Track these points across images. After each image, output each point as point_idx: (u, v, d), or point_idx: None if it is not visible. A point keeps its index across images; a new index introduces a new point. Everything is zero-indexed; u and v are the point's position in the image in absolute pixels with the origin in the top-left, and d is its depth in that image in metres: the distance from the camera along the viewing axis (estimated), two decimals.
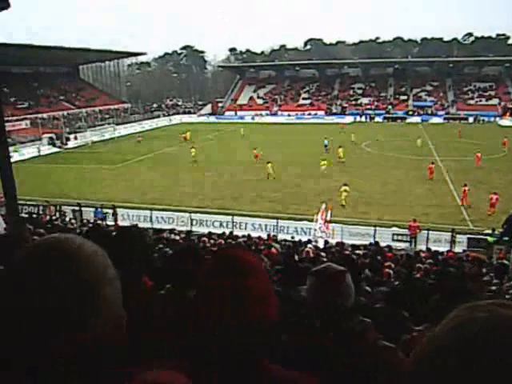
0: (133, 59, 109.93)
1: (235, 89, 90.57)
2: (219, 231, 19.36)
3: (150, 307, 2.02)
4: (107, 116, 70.33)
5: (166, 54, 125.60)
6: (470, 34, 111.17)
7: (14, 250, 2.70)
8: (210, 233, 18.15)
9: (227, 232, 18.85)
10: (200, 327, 1.12)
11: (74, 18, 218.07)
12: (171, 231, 18.43)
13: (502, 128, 56.40)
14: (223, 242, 14.60)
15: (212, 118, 79.44)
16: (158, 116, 79.18)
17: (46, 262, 0.82)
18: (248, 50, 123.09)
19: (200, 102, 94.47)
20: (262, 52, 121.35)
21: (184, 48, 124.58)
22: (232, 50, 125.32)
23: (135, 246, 2.17)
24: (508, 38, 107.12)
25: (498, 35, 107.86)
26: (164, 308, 2.09)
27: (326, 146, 42.15)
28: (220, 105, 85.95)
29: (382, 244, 17.24)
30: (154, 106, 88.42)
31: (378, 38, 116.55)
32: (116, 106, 77.16)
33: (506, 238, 17.76)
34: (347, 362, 1.72)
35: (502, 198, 23.62)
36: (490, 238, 18.12)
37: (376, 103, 78.23)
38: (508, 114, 66.80)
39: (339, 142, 39.20)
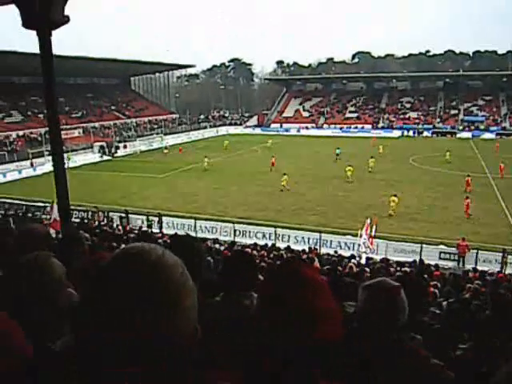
0: (182, 71, 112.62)
1: (281, 101, 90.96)
2: (262, 242, 19.39)
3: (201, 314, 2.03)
4: (155, 126, 72.21)
5: (214, 66, 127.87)
6: None
7: (71, 254, 2.83)
8: (255, 244, 18.20)
9: (269, 244, 18.86)
10: (262, 340, 1.11)
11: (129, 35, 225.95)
12: (215, 241, 18.61)
13: None
14: (265, 253, 14.60)
15: (258, 130, 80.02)
16: (205, 127, 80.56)
17: (129, 271, 0.83)
18: (295, 63, 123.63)
19: (246, 114, 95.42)
20: (310, 65, 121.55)
21: (232, 60, 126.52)
22: (279, 62, 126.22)
23: (193, 255, 2.18)
24: None
25: None
26: (217, 315, 2.10)
27: (337, 154, 43.84)
28: (266, 117, 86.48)
29: (429, 262, 16.77)
30: (201, 117, 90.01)
31: (428, 51, 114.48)
32: (164, 117, 79.10)
33: None
34: (400, 378, 1.68)
35: None
36: None
37: (424, 117, 76.58)
38: None
39: (372, 154, 39.94)
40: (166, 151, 52.63)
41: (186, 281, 0.87)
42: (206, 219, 23.96)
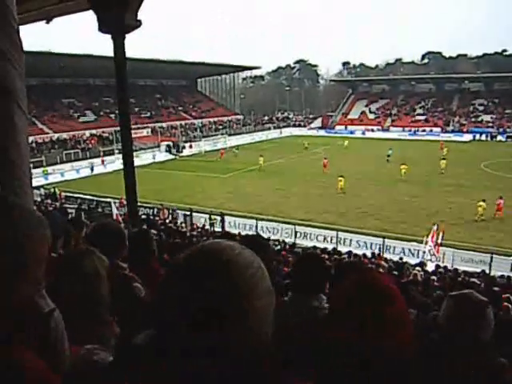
0: (247, 73, 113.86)
1: (346, 103, 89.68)
2: (323, 246, 19.20)
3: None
4: (220, 127, 73.50)
5: (280, 67, 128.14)
6: None
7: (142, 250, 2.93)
8: (314, 247, 18.05)
9: (330, 247, 18.64)
10: (333, 346, 1.10)
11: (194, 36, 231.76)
12: (275, 242, 18.65)
13: None
14: (326, 256, 14.43)
15: (321, 132, 79.35)
16: (269, 128, 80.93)
17: (197, 268, 0.83)
18: (362, 64, 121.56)
19: (311, 116, 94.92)
20: (377, 66, 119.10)
21: (297, 62, 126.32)
22: (345, 63, 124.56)
23: (264, 256, 2.19)
24: None
25: None
26: (287, 316, 2.10)
27: (388, 155, 44.56)
28: (331, 119, 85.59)
29: (499, 273, 15.91)
30: (266, 118, 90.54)
31: (504, 51, 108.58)
32: (229, 118, 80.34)
33: None
34: None
35: None
36: None
37: (499, 121, 72.71)
38: None
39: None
40: (234, 152, 53.46)
41: (258, 282, 0.85)
42: (267, 220, 24.08)
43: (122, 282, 2.44)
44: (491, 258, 17.77)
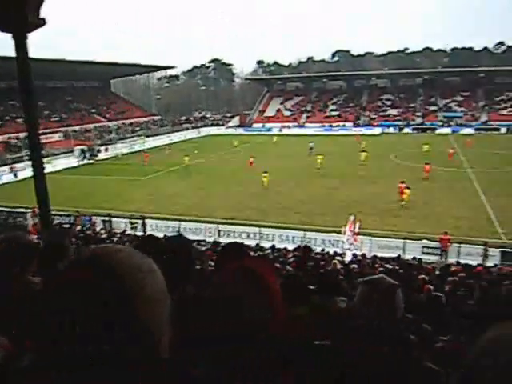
0: (162, 73, 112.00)
1: (263, 101, 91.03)
2: (247, 242, 19.39)
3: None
4: (137, 128, 71.63)
5: (195, 67, 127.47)
6: (502, 43, 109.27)
7: (57, 261, 2.77)
8: (257, 245, 18.18)
9: (254, 244, 18.87)
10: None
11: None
12: (199, 242, 18.55)
13: None
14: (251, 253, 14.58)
15: (240, 130, 79.93)
16: (187, 128, 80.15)
17: (87, 272, 0.81)
18: (275, 63, 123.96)
19: (228, 115, 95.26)
20: (290, 64, 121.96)
21: (212, 61, 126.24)
22: (259, 62, 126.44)
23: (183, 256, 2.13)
24: None
25: None
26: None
27: (311, 148, 46.41)
28: (248, 117, 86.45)
29: (409, 257, 17.01)
30: (183, 118, 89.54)
31: (406, 49, 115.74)
32: (146, 119, 78.55)
33: None
34: (393, 375, 1.68)
35: None
36: None
37: (405, 114, 77.35)
38: None
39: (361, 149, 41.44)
40: (168, 151, 53.27)
41: (146, 285, 0.84)
42: (189, 220, 23.87)
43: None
44: (404, 243, 18.90)
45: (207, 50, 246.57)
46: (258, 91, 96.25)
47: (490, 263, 17.43)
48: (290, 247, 18.66)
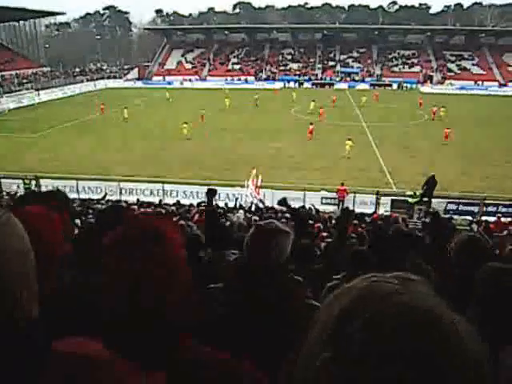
0: (51, 19, 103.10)
1: (162, 53, 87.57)
2: (150, 200, 19.02)
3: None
4: (25, 81, 65.71)
5: (88, 14, 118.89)
6: (394, 3, 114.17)
7: None
8: (138, 200, 17.77)
9: (157, 200, 18.56)
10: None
11: None
12: (98, 201, 17.83)
13: (423, 94, 58.84)
14: (151, 210, 14.31)
15: (139, 83, 76.56)
16: (82, 81, 75.03)
17: None
18: (175, 12, 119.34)
19: (126, 67, 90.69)
20: (190, 15, 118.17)
21: (107, 8, 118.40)
22: (158, 11, 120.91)
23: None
24: (429, 7, 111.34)
25: (420, 4, 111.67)
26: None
27: (256, 100, 48.03)
28: (147, 70, 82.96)
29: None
30: (77, 70, 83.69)
31: (306, 4, 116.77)
32: (34, 70, 72.24)
33: (426, 199, 18.87)
34: (272, 318, 1.71)
35: (423, 160, 25.29)
36: (410, 199, 19.11)
37: (305, 69, 78.87)
38: (429, 81, 70.96)
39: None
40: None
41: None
42: (89, 179, 22.76)
43: None
44: (304, 194, 19.64)
45: None
46: (157, 42, 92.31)
47: (381, 211, 18.79)
48: (195, 202, 18.64)
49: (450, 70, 75.50)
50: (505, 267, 2.23)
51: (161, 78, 78.88)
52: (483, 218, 17.88)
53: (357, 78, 74.57)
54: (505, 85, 70.82)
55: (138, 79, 79.74)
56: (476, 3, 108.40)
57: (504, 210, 18.65)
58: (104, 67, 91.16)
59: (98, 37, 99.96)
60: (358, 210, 18.03)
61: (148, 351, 0.99)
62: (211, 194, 4.02)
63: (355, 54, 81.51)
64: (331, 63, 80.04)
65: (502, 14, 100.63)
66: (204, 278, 2.62)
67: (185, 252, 1.13)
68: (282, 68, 79.91)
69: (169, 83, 74.39)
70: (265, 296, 1.79)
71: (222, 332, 1.60)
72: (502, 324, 2.02)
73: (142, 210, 14.17)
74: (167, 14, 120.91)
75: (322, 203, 19.84)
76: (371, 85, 70.62)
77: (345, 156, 27.08)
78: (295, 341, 0.68)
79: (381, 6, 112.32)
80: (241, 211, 14.86)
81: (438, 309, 0.64)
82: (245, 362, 1.11)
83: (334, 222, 13.74)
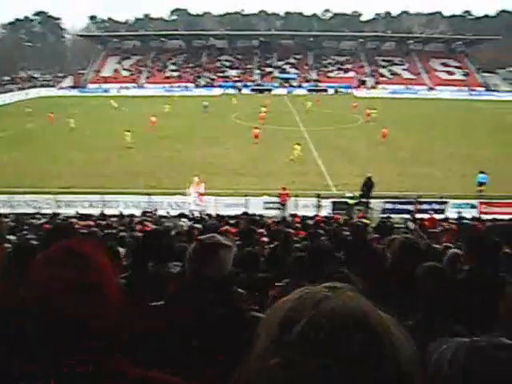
0: None
1: (98, 60, 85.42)
2: (90, 211, 18.48)
3: None
4: None
5: (17, 20, 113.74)
6: (328, 10, 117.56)
7: None
8: (77, 213, 17.25)
9: (97, 212, 18.08)
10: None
11: None
12: (33, 216, 17.14)
13: (358, 99, 60.90)
14: (93, 223, 13.95)
15: (74, 91, 74.20)
16: (12, 90, 71.60)
17: None
18: (110, 19, 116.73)
19: (60, 74, 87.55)
20: (126, 21, 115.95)
21: (37, 14, 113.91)
22: (92, 17, 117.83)
23: None
24: (361, 15, 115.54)
25: (352, 12, 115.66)
26: None
27: (205, 107, 47.91)
28: (82, 77, 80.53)
29: (254, 212, 17.91)
30: (6, 78, 79.82)
31: (242, 10, 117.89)
32: None
33: (364, 200, 19.56)
34: (215, 332, 1.75)
35: (360, 162, 26.16)
36: (350, 201, 19.71)
37: (243, 75, 79.49)
38: (362, 85, 73.81)
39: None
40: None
41: None
42: (23, 193, 21.75)
43: None
44: (246, 200, 19.78)
45: (30, 1, 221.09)
46: (92, 49, 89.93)
47: (323, 213, 19.23)
48: (137, 213, 18.34)
49: (382, 75, 78.68)
50: (438, 266, 2.42)
51: (97, 85, 76.83)
52: (418, 215, 18.76)
53: (294, 84, 76.05)
54: (433, 88, 74.69)
55: (73, 87, 77.28)
56: (404, 11, 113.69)
57: (437, 206, 19.66)
58: (36, 75, 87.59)
59: (29, 44, 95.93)
60: (300, 213, 18.41)
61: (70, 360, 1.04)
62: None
63: (292, 60, 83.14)
64: (269, 69, 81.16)
65: (427, 22, 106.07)
66: (150, 290, 2.63)
67: (111, 269, 1.18)
68: (220, 74, 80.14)
69: (105, 91, 72.68)
70: (208, 311, 1.82)
71: (163, 349, 1.64)
72: (440, 316, 2.20)
73: (82, 222, 13.78)
74: (102, 20, 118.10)
75: (264, 208, 20.06)
76: (309, 90, 72.27)
77: (293, 160, 27.54)
78: (241, 354, 0.78)
79: (315, 14, 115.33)
80: (184, 219, 14.77)
81: (366, 309, 0.69)
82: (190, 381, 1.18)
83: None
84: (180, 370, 1.18)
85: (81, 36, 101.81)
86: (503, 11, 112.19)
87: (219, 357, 1.64)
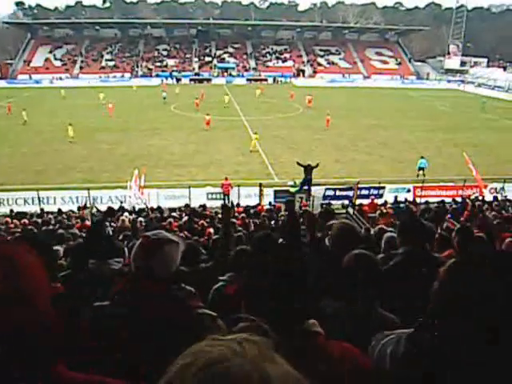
0: None
1: (27, 49, 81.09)
2: (25, 209, 17.68)
3: None
4: None
5: None
6: (265, 0, 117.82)
7: None
8: (11, 211, 16.47)
9: (34, 209, 17.34)
10: None
11: None
12: None
13: (297, 88, 61.66)
14: (27, 221, 13.37)
15: (3, 83, 70.14)
16: None
17: None
18: (39, 5, 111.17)
19: None
20: (56, 8, 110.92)
21: None
22: (19, 3, 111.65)
23: None
24: (297, 5, 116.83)
25: (289, 1, 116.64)
26: None
27: (164, 98, 48.17)
28: (11, 68, 76.31)
29: (197, 203, 17.87)
30: None
31: None
32: None
33: (306, 187, 19.92)
34: (165, 329, 1.74)
35: (301, 150, 26.62)
36: (291, 189, 20.03)
37: (182, 65, 78.32)
38: (301, 74, 74.82)
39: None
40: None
41: None
42: None
43: None
44: (189, 191, 19.60)
45: None
46: (20, 38, 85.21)
47: (266, 202, 19.41)
48: (75, 208, 17.78)
49: (319, 64, 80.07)
50: (367, 254, 2.53)
51: (27, 76, 73.07)
52: (358, 201, 19.37)
53: (234, 73, 75.85)
54: (368, 77, 76.94)
55: (1, 78, 73.10)
56: (339, 2, 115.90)
57: (375, 192, 20.36)
58: None
59: None
60: (243, 203, 18.51)
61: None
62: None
63: (230, 50, 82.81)
64: (208, 59, 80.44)
65: (362, 12, 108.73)
66: (92, 288, 2.58)
67: (42, 272, 1.14)
68: (158, 64, 78.52)
69: (37, 82, 69.41)
70: (155, 309, 1.80)
71: (110, 350, 1.61)
72: (367, 302, 2.30)
73: (16, 221, 13.20)
74: (30, 6, 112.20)
75: (208, 199, 19.97)
76: (248, 80, 72.32)
77: (252, 151, 27.70)
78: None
79: (252, 3, 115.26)
80: (126, 214, 14.46)
81: (270, 373, 0.61)
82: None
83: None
84: (127, 372, 1.17)
85: (7, 23, 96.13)
86: (432, 3, 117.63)
87: (168, 356, 1.63)
